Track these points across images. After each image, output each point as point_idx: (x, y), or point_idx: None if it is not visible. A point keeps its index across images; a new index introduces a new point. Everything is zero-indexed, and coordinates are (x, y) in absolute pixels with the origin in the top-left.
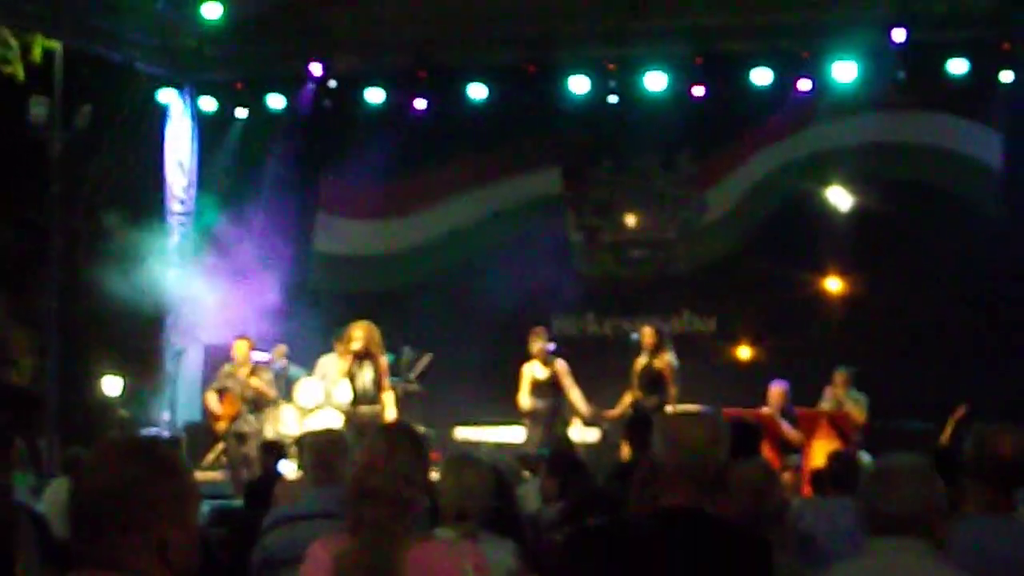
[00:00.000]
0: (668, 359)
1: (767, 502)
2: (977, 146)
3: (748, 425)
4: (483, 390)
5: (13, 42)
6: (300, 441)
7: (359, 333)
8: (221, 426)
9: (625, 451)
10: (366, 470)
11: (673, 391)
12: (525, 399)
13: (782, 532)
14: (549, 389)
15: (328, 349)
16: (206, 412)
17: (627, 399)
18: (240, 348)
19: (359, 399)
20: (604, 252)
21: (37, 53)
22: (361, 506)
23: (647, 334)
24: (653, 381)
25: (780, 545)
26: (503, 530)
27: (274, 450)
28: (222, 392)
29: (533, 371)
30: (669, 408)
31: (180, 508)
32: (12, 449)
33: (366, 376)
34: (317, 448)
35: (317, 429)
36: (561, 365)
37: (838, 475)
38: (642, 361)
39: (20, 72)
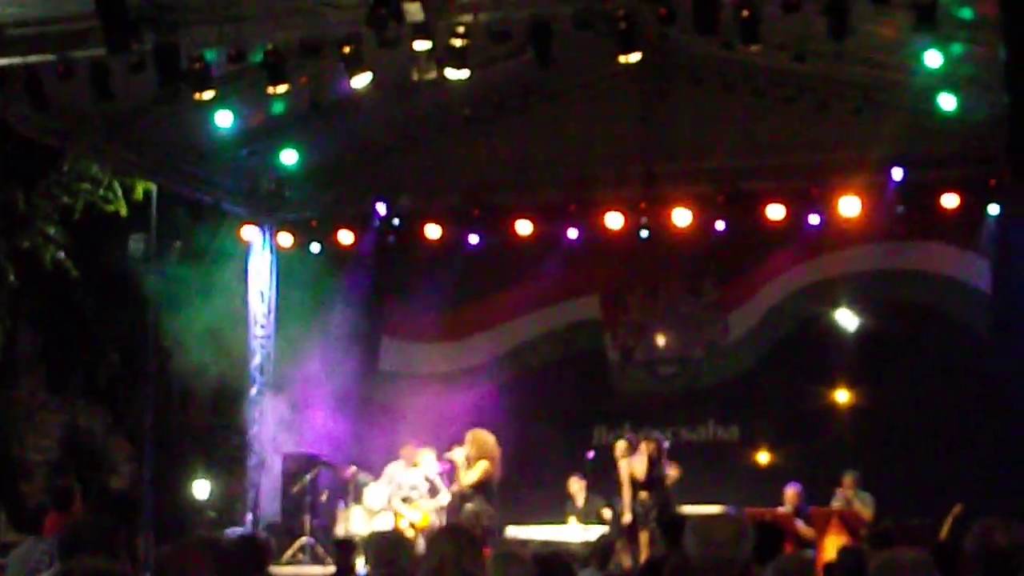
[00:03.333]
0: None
1: None
2: (968, 272)
3: (773, 527)
4: (532, 493)
5: (116, 185)
6: (366, 540)
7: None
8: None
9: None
10: (436, 572)
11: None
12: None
13: None
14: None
15: (394, 457)
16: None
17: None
18: (420, 458)
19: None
20: (638, 369)
21: (139, 193)
22: None
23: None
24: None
25: None
26: None
27: (347, 547)
28: (408, 500)
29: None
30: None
31: None
32: (119, 538)
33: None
34: (378, 546)
35: (381, 529)
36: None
37: (849, 569)
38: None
39: (123, 210)
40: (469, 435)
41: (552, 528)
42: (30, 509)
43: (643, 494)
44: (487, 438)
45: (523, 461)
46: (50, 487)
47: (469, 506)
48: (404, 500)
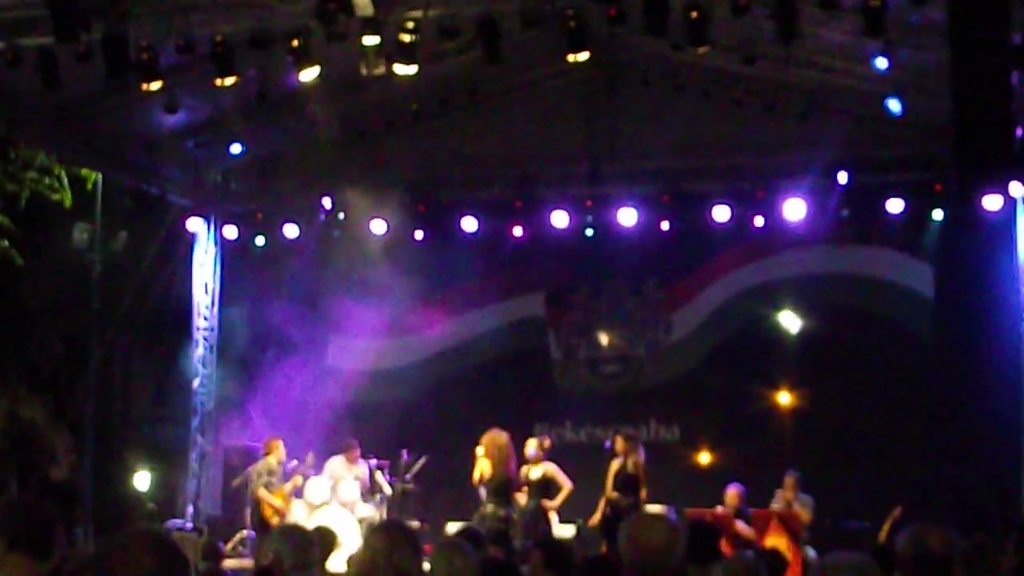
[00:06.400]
0: (638, 460)
1: None
2: (911, 277)
3: (709, 527)
4: (472, 489)
5: (63, 173)
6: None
7: None
8: (276, 521)
9: (603, 547)
10: (369, 567)
11: (644, 491)
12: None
13: None
14: (537, 488)
15: (337, 452)
16: (260, 506)
17: (603, 501)
18: (280, 449)
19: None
20: (581, 368)
21: (90, 184)
22: None
23: (619, 441)
24: (626, 483)
25: None
26: None
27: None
28: (269, 487)
29: (529, 472)
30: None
31: None
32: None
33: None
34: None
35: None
36: (552, 467)
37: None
38: (616, 465)
39: (67, 200)
40: (484, 436)
41: None
42: None
43: (614, 494)
44: (493, 438)
45: (465, 458)
46: None
47: (481, 508)
48: (266, 487)
